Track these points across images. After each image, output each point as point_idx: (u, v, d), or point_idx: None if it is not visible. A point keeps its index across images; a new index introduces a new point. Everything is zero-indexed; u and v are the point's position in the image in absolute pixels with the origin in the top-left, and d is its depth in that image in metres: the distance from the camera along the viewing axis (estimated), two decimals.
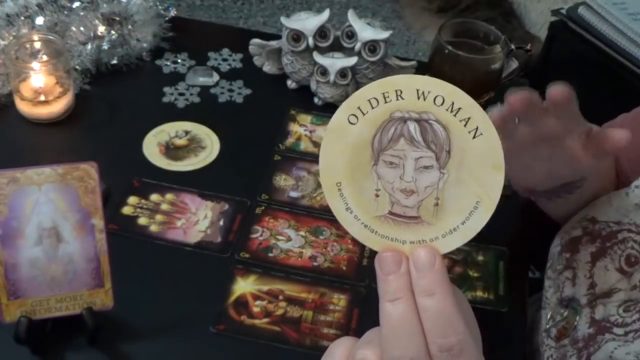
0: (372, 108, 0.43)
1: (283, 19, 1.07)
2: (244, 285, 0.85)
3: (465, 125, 0.42)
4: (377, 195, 0.43)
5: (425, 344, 0.41)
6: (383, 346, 0.42)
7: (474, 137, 0.42)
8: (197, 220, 0.92)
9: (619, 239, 0.76)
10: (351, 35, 1.06)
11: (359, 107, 0.43)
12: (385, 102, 0.42)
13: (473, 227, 0.43)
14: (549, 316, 0.82)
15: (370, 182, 0.43)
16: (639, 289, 0.72)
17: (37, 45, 1.02)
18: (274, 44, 1.11)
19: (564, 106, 0.72)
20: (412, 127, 0.42)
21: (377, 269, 0.43)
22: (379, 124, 0.43)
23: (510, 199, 0.97)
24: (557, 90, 0.72)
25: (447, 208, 0.43)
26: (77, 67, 1.08)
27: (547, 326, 0.81)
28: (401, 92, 0.42)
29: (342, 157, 0.43)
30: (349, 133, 0.43)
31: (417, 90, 0.42)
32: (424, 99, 0.42)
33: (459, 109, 0.42)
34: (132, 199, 0.93)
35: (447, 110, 0.42)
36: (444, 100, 0.42)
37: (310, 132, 1.06)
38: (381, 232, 0.44)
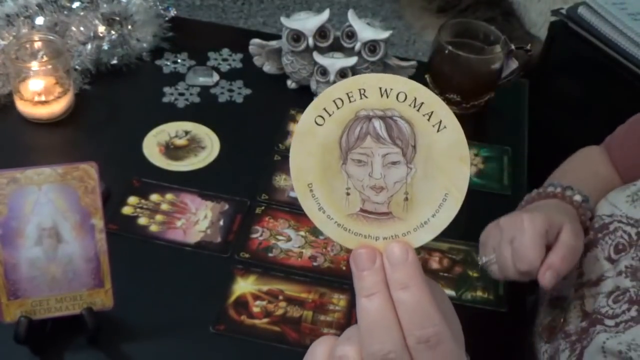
0: (338, 108, 0.43)
1: (283, 19, 1.07)
2: (244, 285, 0.85)
3: (428, 120, 0.43)
4: (347, 194, 0.44)
5: (402, 337, 0.42)
6: (362, 342, 0.42)
7: (438, 131, 0.43)
8: (197, 220, 0.92)
9: (610, 229, 0.78)
10: (351, 35, 1.06)
11: (324, 108, 0.43)
12: (350, 101, 0.43)
13: (443, 219, 0.44)
14: (541, 316, 0.83)
15: (340, 181, 0.44)
16: (624, 274, 0.73)
17: (37, 45, 1.02)
18: (274, 44, 1.11)
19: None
20: (378, 124, 0.43)
21: (352, 266, 0.44)
22: (345, 124, 0.43)
23: (510, 199, 0.98)
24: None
25: (417, 202, 0.44)
26: (77, 67, 1.08)
27: (540, 327, 0.82)
28: (364, 90, 0.43)
29: (312, 158, 0.44)
30: (317, 134, 0.44)
31: (380, 88, 0.43)
32: (387, 96, 0.43)
33: (422, 103, 0.43)
34: (132, 199, 0.93)
35: (410, 105, 0.43)
36: (406, 97, 0.43)
37: None
38: (354, 229, 0.45)
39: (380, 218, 0.44)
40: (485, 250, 0.80)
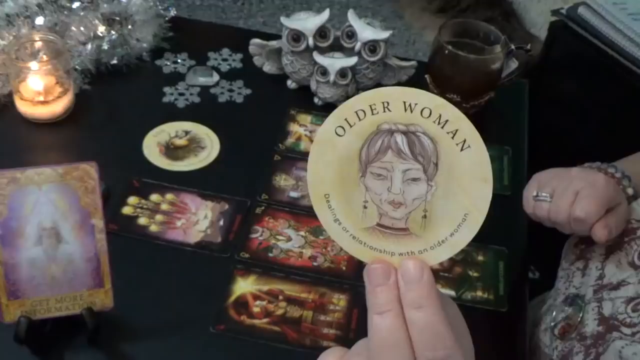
0: (360, 120, 0.42)
1: (283, 19, 1.07)
2: (244, 285, 0.85)
3: (452, 138, 0.42)
4: (365, 207, 0.43)
5: (413, 356, 0.41)
6: (371, 358, 0.42)
7: (461, 150, 0.42)
8: (197, 220, 0.92)
9: (638, 235, 0.77)
10: (351, 35, 1.06)
11: (346, 119, 0.42)
12: (373, 114, 0.42)
13: (461, 239, 0.43)
14: (554, 313, 0.82)
15: (358, 194, 0.43)
16: None
17: (37, 45, 1.02)
18: (274, 44, 1.11)
19: None
20: (400, 139, 0.42)
21: (366, 281, 0.43)
22: (367, 136, 0.43)
23: (510, 199, 0.98)
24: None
25: (436, 220, 0.43)
26: (77, 67, 1.08)
27: (552, 323, 0.82)
28: (388, 104, 0.42)
29: (330, 169, 0.43)
30: (337, 145, 0.43)
31: (405, 103, 0.42)
32: (411, 111, 0.42)
33: (447, 121, 0.42)
34: (132, 199, 0.93)
35: (434, 122, 0.42)
36: (431, 113, 0.42)
37: (310, 132, 1.06)
38: (370, 243, 0.44)
39: (397, 234, 0.43)
40: (543, 187, 0.83)
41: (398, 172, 0.43)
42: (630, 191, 0.82)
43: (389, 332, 0.41)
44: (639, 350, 0.68)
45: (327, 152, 0.43)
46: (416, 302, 0.41)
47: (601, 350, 0.72)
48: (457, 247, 0.43)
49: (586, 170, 0.83)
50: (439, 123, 0.42)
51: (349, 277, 0.87)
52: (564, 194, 0.80)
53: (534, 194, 0.83)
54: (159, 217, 0.91)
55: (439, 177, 0.42)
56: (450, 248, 0.43)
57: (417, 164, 0.42)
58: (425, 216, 0.43)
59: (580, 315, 0.77)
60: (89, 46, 1.09)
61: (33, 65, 1.00)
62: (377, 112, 0.42)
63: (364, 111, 0.42)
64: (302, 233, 0.92)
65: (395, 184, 0.43)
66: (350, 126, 0.43)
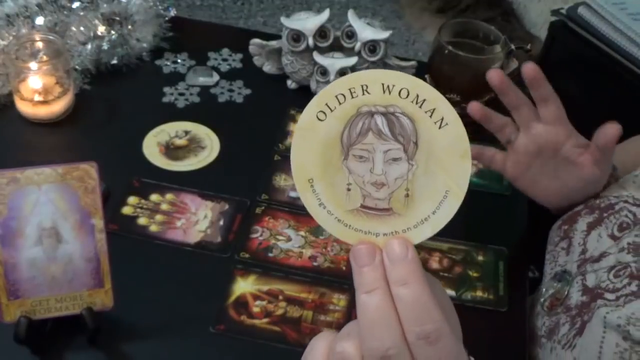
0: (340, 104, 0.43)
1: (283, 19, 1.07)
2: (244, 285, 0.85)
3: (430, 116, 0.43)
4: (348, 190, 0.44)
5: (402, 333, 0.42)
6: (361, 337, 0.43)
7: (439, 127, 0.43)
8: (197, 220, 0.92)
9: (616, 209, 0.79)
10: (351, 35, 1.06)
11: (326, 104, 0.43)
12: (352, 97, 0.43)
13: (444, 216, 0.44)
14: (543, 290, 0.84)
15: (341, 177, 0.44)
16: (626, 250, 0.74)
17: (37, 45, 1.02)
18: (274, 44, 1.11)
19: (537, 83, 0.83)
20: (380, 120, 0.43)
21: (352, 262, 0.44)
22: (347, 119, 0.43)
23: (510, 199, 0.98)
24: (528, 67, 0.82)
25: (418, 198, 0.44)
26: (77, 67, 1.08)
27: (542, 299, 0.83)
28: (367, 86, 0.43)
29: (313, 154, 0.44)
30: (319, 130, 0.44)
31: (383, 84, 0.43)
32: (390, 93, 0.43)
33: (424, 100, 0.43)
34: (132, 199, 0.93)
35: (412, 102, 0.43)
36: (408, 93, 0.43)
37: None
38: (354, 225, 0.44)
39: (380, 214, 0.44)
40: None
41: (379, 153, 0.43)
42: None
43: (377, 309, 0.42)
44: (622, 314, 0.69)
45: (310, 138, 0.44)
46: (402, 279, 0.42)
47: (586, 319, 0.73)
48: (439, 225, 0.44)
49: None
50: (416, 103, 0.43)
51: (348, 277, 0.87)
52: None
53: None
54: (159, 217, 0.91)
55: (419, 155, 0.43)
56: (432, 226, 0.44)
57: (398, 144, 0.43)
58: (407, 195, 0.44)
59: (567, 288, 0.78)
60: (89, 46, 1.09)
61: (33, 65, 1.00)
62: (357, 95, 0.43)
63: (343, 95, 0.43)
64: (302, 233, 0.92)
65: (377, 165, 0.44)
66: (331, 110, 0.43)
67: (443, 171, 0.43)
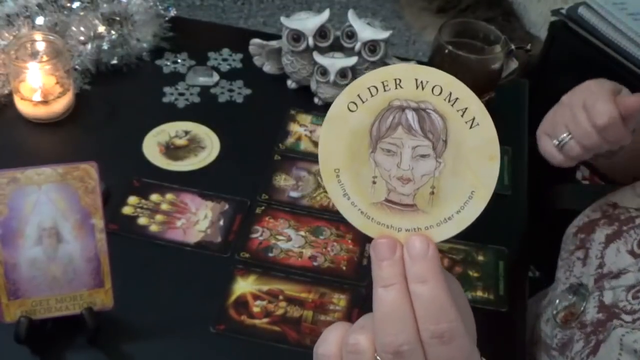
0: (372, 96, 0.43)
1: (283, 19, 1.07)
2: (244, 285, 0.85)
3: (462, 116, 0.43)
4: (374, 182, 0.44)
5: (417, 330, 0.42)
6: (375, 331, 0.43)
7: (470, 128, 0.43)
8: (197, 220, 0.92)
9: (637, 223, 0.78)
10: (351, 35, 1.06)
11: (358, 95, 0.43)
12: (385, 90, 0.43)
13: (467, 216, 0.44)
14: (557, 302, 0.82)
15: (367, 169, 0.44)
16: None
17: (37, 45, 1.02)
18: (274, 44, 1.11)
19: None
20: (410, 115, 0.43)
21: (372, 255, 0.43)
22: (378, 112, 0.43)
23: (510, 199, 0.98)
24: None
25: (443, 197, 0.43)
26: (77, 67, 1.08)
27: (555, 312, 0.82)
28: (400, 81, 0.43)
29: (341, 144, 0.44)
30: (348, 120, 0.43)
31: (416, 80, 0.43)
32: (422, 89, 0.43)
33: (457, 99, 0.43)
34: (132, 199, 0.93)
35: (444, 100, 0.43)
36: (442, 90, 0.43)
37: (310, 132, 1.06)
38: (377, 219, 0.44)
39: (404, 209, 0.44)
40: (556, 132, 0.79)
41: (407, 148, 0.43)
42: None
43: (393, 305, 0.42)
44: (638, 338, 0.68)
45: (339, 128, 0.43)
46: (421, 277, 0.42)
47: (601, 338, 0.72)
48: (463, 224, 0.44)
49: (573, 90, 0.80)
50: (449, 101, 0.43)
51: (349, 277, 0.87)
52: (575, 119, 0.77)
53: (555, 143, 0.80)
54: (159, 217, 0.91)
55: (447, 154, 0.43)
56: (456, 225, 0.44)
57: (427, 141, 0.43)
58: (432, 192, 0.43)
59: (584, 304, 0.77)
60: (89, 46, 1.09)
61: (33, 65, 1.00)
62: (389, 89, 0.43)
63: (376, 87, 0.43)
64: (302, 233, 0.92)
65: (405, 160, 0.43)
66: (363, 102, 0.43)
67: (470, 171, 0.43)
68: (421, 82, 0.42)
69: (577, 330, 0.76)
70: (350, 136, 0.43)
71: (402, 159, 0.43)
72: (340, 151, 0.44)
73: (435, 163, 0.43)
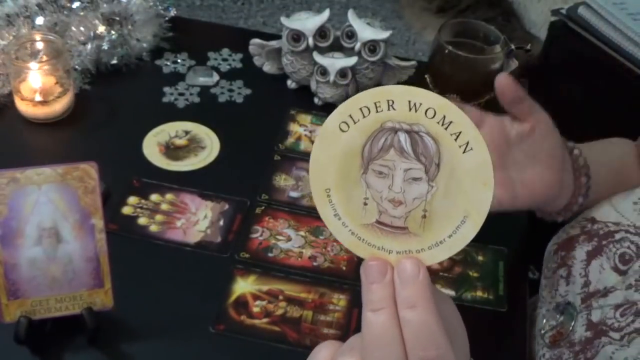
0: (364, 117, 0.42)
1: (283, 19, 1.07)
2: (244, 285, 0.85)
3: (456, 140, 0.42)
4: (365, 204, 0.43)
5: (404, 354, 0.41)
6: (363, 354, 0.42)
7: (464, 152, 0.42)
8: (197, 220, 0.92)
9: (616, 238, 0.77)
10: (351, 35, 1.06)
11: (350, 115, 0.43)
12: (377, 111, 0.42)
13: (460, 240, 0.43)
14: (544, 321, 0.82)
15: (359, 191, 0.43)
16: (634, 288, 0.72)
17: (37, 45, 1.02)
18: (274, 44, 1.11)
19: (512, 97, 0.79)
20: (403, 138, 0.42)
21: (362, 277, 0.43)
22: (370, 133, 0.43)
23: None
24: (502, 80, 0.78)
25: (435, 221, 0.43)
26: (77, 67, 1.08)
27: (543, 331, 0.81)
28: (393, 102, 0.42)
29: (332, 164, 0.43)
30: (340, 140, 0.43)
31: (409, 102, 0.42)
32: (416, 111, 0.42)
33: (450, 122, 0.42)
34: (132, 199, 0.93)
35: (438, 123, 0.42)
36: (435, 113, 0.42)
37: (310, 132, 1.06)
38: (368, 240, 0.44)
39: (395, 232, 0.43)
40: None
41: (399, 170, 0.43)
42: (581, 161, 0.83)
43: (382, 329, 0.42)
44: (629, 354, 0.68)
45: (330, 147, 0.43)
46: (410, 301, 0.41)
47: (589, 356, 0.71)
48: (454, 249, 0.43)
49: None
50: (442, 124, 0.42)
51: (349, 277, 0.87)
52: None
53: None
54: (159, 217, 0.91)
55: (440, 178, 0.43)
56: (447, 249, 0.43)
57: (419, 164, 0.43)
58: (424, 216, 0.43)
59: (572, 323, 0.77)
60: (89, 46, 1.09)
61: (33, 65, 1.00)
62: (382, 110, 0.42)
63: (368, 108, 0.42)
64: (302, 233, 0.92)
65: (396, 182, 0.43)
66: (355, 122, 0.43)
67: (463, 196, 0.42)
68: (414, 104, 0.42)
69: (566, 349, 0.76)
70: (341, 156, 0.43)
71: (393, 181, 0.43)
72: (332, 171, 0.43)
73: (427, 187, 0.43)
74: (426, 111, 0.42)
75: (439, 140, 0.42)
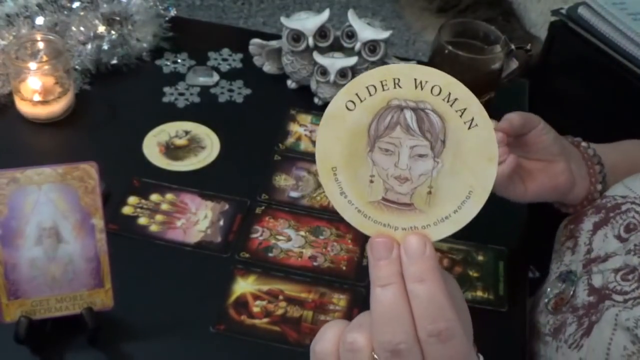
0: (370, 95, 0.43)
1: (283, 19, 1.07)
2: (244, 285, 0.85)
3: (461, 116, 0.43)
4: (371, 181, 0.44)
5: (414, 329, 0.42)
6: (373, 330, 0.43)
7: (469, 128, 0.43)
8: (197, 220, 0.92)
9: (622, 210, 0.79)
10: (351, 35, 1.06)
11: (357, 94, 0.43)
12: (383, 89, 0.43)
13: (464, 216, 0.44)
14: (548, 290, 0.83)
15: (365, 168, 0.44)
16: (633, 252, 0.74)
17: (37, 45, 1.02)
18: (274, 44, 1.11)
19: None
20: (409, 115, 0.43)
21: (369, 254, 0.44)
22: (376, 111, 0.43)
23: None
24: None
25: (440, 197, 0.44)
26: (77, 67, 1.08)
27: (546, 300, 0.82)
28: (399, 80, 0.43)
29: (339, 142, 0.44)
30: (346, 119, 0.43)
31: (415, 80, 0.43)
32: (422, 89, 0.43)
33: (456, 99, 0.43)
34: (132, 199, 0.93)
35: (443, 100, 0.43)
36: (440, 90, 0.43)
37: (310, 132, 1.06)
38: (374, 217, 0.44)
39: (401, 208, 0.44)
40: None
41: (405, 147, 0.43)
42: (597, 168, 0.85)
43: (391, 304, 0.42)
44: (632, 315, 0.68)
45: (337, 126, 0.43)
46: (418, 276, 0.42)
47: (594, 319, 0.72)
48: (459, 224, 0.44)
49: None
50: (448, 101, 0.43)
51: (349, 277, 0.87)
52: None
53: None
54: (159, 217, 0.91)
55: (445, 154, 0.43)
56: (453, 224, 0.44)
57: (425, 141, 0.43)
58: (430, 192, 0.44)
59: (573, 288, 0.78)
60: (89, 46, 1.09)
61: (33, 65, 1.00)
62: (388, 88, 0.43)
63: (374, 86, 0.43)
64: (302, 233, 0.92)
65: (402, 159, 0.43)
66: (361, 101, 0.43)
67: (468, 172, 0.43)
68: (420, 82, 0.43)
69: (570, 314, 0.77)
70: (348, 135, 0.43)
71: (399, 158, 0.43)
72: (338, 150, 0.44)
73: (433, 163, 0.43)
74: (432, 89, 0.43)
75: (445, 117, 0.43)
